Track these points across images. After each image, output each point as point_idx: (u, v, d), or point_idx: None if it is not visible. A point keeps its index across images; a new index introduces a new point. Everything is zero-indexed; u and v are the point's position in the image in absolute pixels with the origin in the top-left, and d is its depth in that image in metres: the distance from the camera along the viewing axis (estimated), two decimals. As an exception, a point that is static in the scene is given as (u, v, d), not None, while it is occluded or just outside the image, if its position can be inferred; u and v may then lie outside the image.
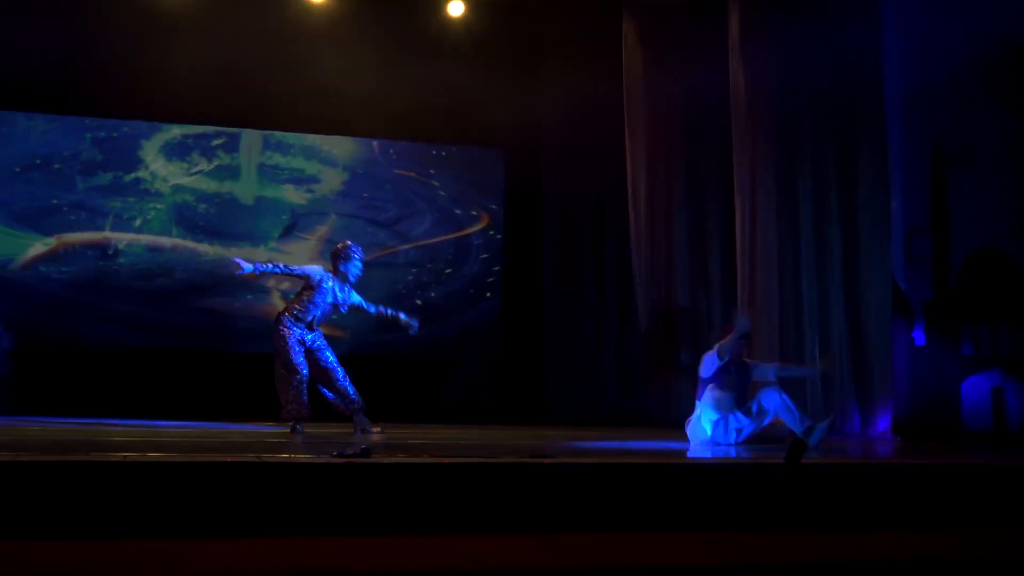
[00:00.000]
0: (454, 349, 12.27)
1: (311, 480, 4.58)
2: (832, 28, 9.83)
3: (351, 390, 8.16)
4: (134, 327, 11.38)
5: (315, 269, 8.22)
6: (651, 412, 10.79)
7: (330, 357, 8.16)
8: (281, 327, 8.00)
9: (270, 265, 8.19)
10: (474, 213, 12.51)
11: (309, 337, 8.05)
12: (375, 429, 8.11)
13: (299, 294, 8.18)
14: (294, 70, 11.42)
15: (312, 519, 4.42)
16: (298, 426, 7.96)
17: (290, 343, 7.95)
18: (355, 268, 8.18)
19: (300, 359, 7.96)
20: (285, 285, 11.31)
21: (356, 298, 8.28)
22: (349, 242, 8.43)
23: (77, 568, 3.47)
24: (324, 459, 4.85)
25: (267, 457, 4.98)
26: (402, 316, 8.44)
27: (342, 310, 8.25)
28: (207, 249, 11.69)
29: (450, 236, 12.42)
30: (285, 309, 8.16)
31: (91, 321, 11.29)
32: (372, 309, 8.38)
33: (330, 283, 8.10)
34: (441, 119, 12.05)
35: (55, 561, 3.58)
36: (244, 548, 3.96)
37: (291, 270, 8.21)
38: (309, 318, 8.02)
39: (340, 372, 8.16)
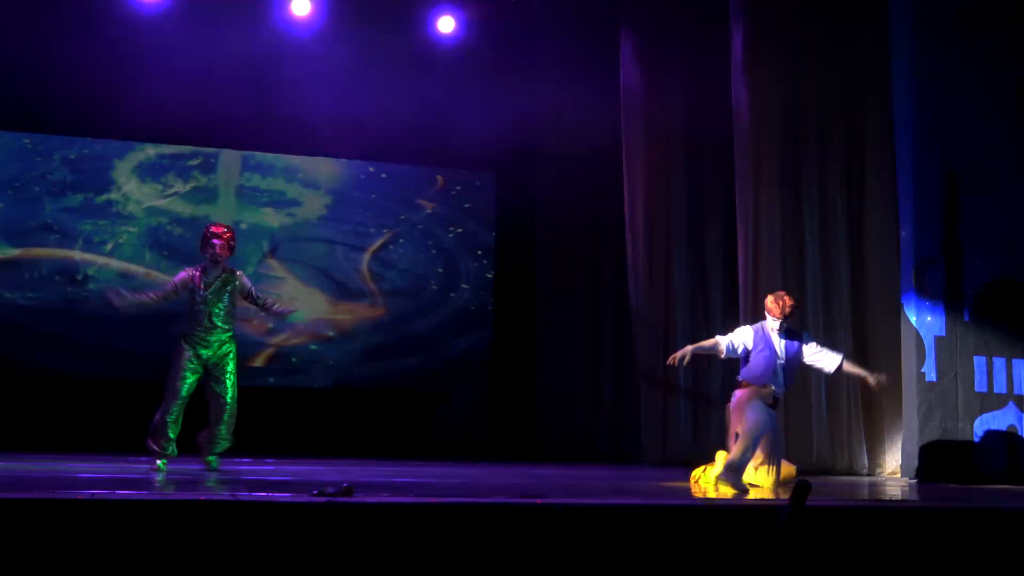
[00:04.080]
0: (443, 382, 12.26)
1: (289, 520, 4.57)
2: (839, 48, 9.92)
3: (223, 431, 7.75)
4: (102, 357, 11.34)
5: (184, 271, 7.78)
6: (647, 449, 10.78)
7: (223, 387, 7.70)
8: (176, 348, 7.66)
9: (145, 296, 7.79)
10: (464, 239, 12.52)
11: (208, 353, 7.61)
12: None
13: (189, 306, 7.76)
14: (275, 88, 11.45)
15: (290, 561, 4.41)
16: (158, 462, 7.55)
17: (176, 364, 7.59)
18: (220, 244, 7.66)
19: (177, 382, 7.57)
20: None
21: (247, 284, 7.79)
22: (208, 224, 8.07)
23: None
24: (303, 498, 4.84)
25: (243, 495, 4.97)
26: (277, 308, 8.03)
27: (225, 295, 7.66)
28: (181, 276, 11.64)
29: (439, 263, 12.43)
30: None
31: (57, 350, 11.25)
32: (259, 300, 7.90)
33: (204, 274, 7.66)
34: (429, 140, 12.09)
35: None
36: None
37: (167, 287, 7.78)
38: (200, 324, 7.59)
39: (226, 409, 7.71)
